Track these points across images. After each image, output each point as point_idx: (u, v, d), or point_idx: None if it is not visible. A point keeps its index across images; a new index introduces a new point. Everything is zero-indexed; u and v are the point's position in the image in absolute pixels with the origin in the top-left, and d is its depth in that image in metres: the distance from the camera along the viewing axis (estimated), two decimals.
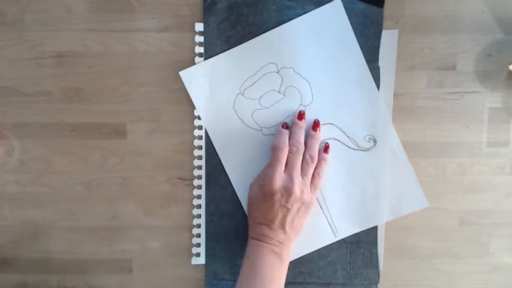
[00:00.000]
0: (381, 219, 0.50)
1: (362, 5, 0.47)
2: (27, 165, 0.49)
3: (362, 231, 0.50)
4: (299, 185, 0.45)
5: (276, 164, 0.45)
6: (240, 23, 0.47)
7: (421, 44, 0.48)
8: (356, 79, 0.48)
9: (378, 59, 0.48)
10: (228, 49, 0.48)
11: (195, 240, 0.50)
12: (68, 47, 0.48)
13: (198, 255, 0.50)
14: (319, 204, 0.49)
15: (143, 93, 0.48)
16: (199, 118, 0.49)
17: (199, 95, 0.48)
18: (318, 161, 0.47)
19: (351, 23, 0.47)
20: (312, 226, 0.48)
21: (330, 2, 0.47)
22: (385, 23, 0.48)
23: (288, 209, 0.44)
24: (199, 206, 0.50)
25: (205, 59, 0.48)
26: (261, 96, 0.48)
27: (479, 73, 0.49)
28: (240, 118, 0.48)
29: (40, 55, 0.48)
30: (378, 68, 0.48)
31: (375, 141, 0.49)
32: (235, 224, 0.49)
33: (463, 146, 0.50)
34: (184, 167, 0.49)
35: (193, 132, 0.49)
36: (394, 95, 0.49)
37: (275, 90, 0.48)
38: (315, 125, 0.47)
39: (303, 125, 0.47)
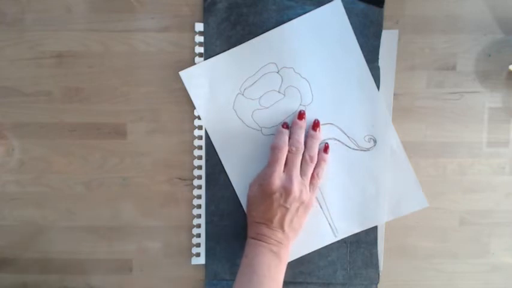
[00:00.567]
0: (381, 219, 0.50)
1: (362, 5, 0.47)
2: (27, 165, 0.49)
3: (362, 231, 0.50)
4: (298, 184, 0.45)
5: (275, 163, 0.45)
6: (240, 23, 0.47)
7: (421, 44, 0.48)
8: (356, 79, 0.48)
9: (378, 59, 0.48)
10: (228, 49, 0.48)
11: (195, 240, 0.50)
12: (68, 47, 0.48)
13: (198, 255, 0.50)
14: (319, 204, 0.49)
15: (143, 93, 0.48)
16: (199, 118, 0.49)
17: (199, 95, 0.48)
18: (318, 161, 0.47)
19: (351, 23, 0.47)
20: (312, 226, 0.48)
21: (330, 2, 0.47)
22: (385, 23, 0.48)
23: (287, 209, 0.44)
24: (199, 206, 0.50)
25: (205, 59, 0.48)
26: (261, 96, 0.48)
27: (479, 73, 0.49)
28: (240, 118, 0.48)
29: (40, 55, 0.48)
30: (378, 68, 0.48)
31: (375, 141, 0.49)
32: (235, 224, 0.49)
33: (463, 146, 0.50)
34: (184, 167, 0.49)
35: (193, 132, 0.49)
36: (394, 95, 0.49)
37: (275, 90, 0.48)
38: (315, 125, 0.47)
39: (303, 124, 0.47)
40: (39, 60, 0.48)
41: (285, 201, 0.44)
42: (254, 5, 0.47)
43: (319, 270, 0.50)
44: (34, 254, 0.50)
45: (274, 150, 0.46)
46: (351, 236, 0.50)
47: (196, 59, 0.48)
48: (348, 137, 0.49)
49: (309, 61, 0.48)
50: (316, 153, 0.47)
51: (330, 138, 0.49)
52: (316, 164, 0.47)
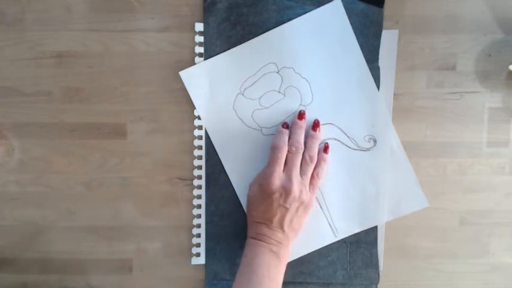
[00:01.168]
0: (381, 219, 0.50)
1: (362, 5, 0.47)
2: (27, 165, 0.49)
3: (362, 231, 0.50)
4: (298, 184, 0.45)
5: (274, 163, 0.45)
6: (240, 23, 0.47)
7: (421, 44, 0.48)
8: (356, 79, 0.48)
9: (378, 59, 0.48)
10: (228, 49, 0.48)
11: (195, 240, 0.50)
12: (68, 47, 0.48)
13: (198, 255, 0.50)
14: (319, 204, 0.49)
15: (143, 93, 0.48)
16: (199, 118, 0.49)
17: (199, 95, 0.48)
18: (318, 161, 0.47)
19: (351, 23, 0.47)
20: (312, 226, 0.48)
21: (330, 2, 0.47)
22: (385, 23, 0.48)
23: (287, 209, 0.44)
24: (199, 206, 0.50)
25: (205, 59, 0.48)
26: (261, 96, 0.48)
27: (479, 73, 0.49)
28: (240, 118, 0.48)
29: (40, 55, 0.48)
30: (378, 68, 0.48)
31: (375, 141, 0.49)
32: (235, 224, 0.49)
33: (463, 146, 0.50)
34: (184, 167, 0.49)
35: (193, 132, 0.49)
36: (394, 95, 0.49)
37: (275, 90, 0.48)
38: (315, 125, 0.47)
39: (303, 124, 0.47)
40: (39, 60, 0.48)
41: (285, 201, 0.44)
42: (254, 5, 0.47)
43: (319, 270, 0.50)
44: (34, 254, 0.50)
45: (274, 150, 0.46)
46: (351, 236, 0.50)
47: (196, 59, 0.48)
48: (348, 137, 0.49)
49: (309, 61, 0.48)
50: (316, 153, 0.47)
51: (330, 138, 0.49)
52: (316, 164, 0.47)
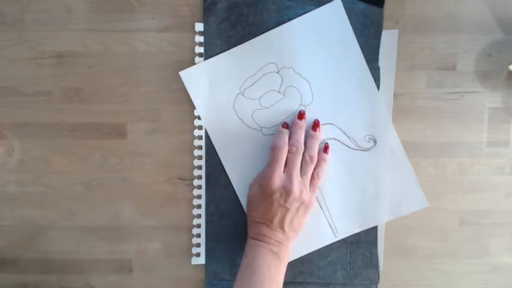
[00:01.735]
0: (381, 219, 0.50)
1: (362, 5, 0.47)
2: (27, 165, 0.49)
3: (362, 231, 0.50)
4: (298, 185, 0.45)
5: (275, 163, 0.45)
6: (240, 23, 0.47)
7: (421, 44, 0.48)
8: (356, 79, 0.48)
9: (378, 59, 0.48)
10: (228, 49, 0.48)
11: (195, 240, 0.50)
12: (68, 47, 0.48)
13: (198, 255, 0.50)
14: (319, 204, 0.49)
15: (143, 93, 0.48)
16: (199, 118, 0.49)
17: (199, 95, 0.48)
18: (318, 161, 0.47)
19: (351, 23, 0.47)
20: (312, 226, 0.48)
21: (330, 2, 0.47)
22: (385, 23, 0.48)
23: (287, 209, 0.44)
24: (199, 206, 0.50)
25: (205, 59, 0.48)
26: (261, 96, 0.48)
27: (479, 73, 0.49)
28: (240, 118, 0.48)
29: (40, 55, 0.48)
30: (378, 68, 0.48)
31: (375, 141, 0.49)
32: (235, 224, 0.49)
33: (463, 146, 0.50)
34: (184, 167, 0.49)
35: (193, 132, 0.49)
36: (394, 95, 0.49)
37: (275, 90, 0.48)
38: (315, 125, 0.47)
39: (303, 124, 0.47)
40: (39, 60, 0.48)
41: (285, 201, 0.44)
42: (254, 5, 0.47)
43: (319, 270, 0.50)
44: (34, 254, 0.50)
45: (274, 150, 0.46)
46: (351, 236, 0.50)
47: (196, 59, 0.48)
48: (348, 137, 0.49)
49: (309, 61, 0.48)
50: (316, 153, 0.47)
51: (330, 138, 0.49)
52: (316, 164, 0.47)
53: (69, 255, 0.50)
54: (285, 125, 0.47)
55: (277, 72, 0.48)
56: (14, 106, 0.48)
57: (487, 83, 0.49)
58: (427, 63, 0.49)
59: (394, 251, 0.51)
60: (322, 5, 0.47)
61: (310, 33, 0.48)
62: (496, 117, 0.50)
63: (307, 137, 0.47)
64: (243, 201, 0.49)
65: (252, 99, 0.48)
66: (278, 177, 0.44)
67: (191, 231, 0.50)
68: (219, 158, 0.49)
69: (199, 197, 0.49)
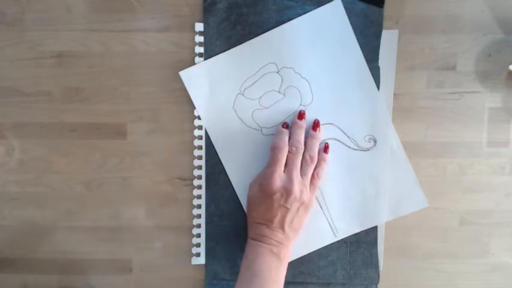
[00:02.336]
0: (381, 219, 0.50)
1: (362, 5, 0.47)
2: (27, 165, 0.49)
3: (362, 231, 0.50)
4: (299, 185, 0.45)
5: (275, 163, 0.45)
6: (240, 23, 0.47)
7: (421, 44, 0.48)
8: (356, 79, 0.48)
9: (378, 59, 0.48)
10: (228, 49, 0.48)
11: (195, 240, 0.50)
12: (68, 47, 0.48)
13: (198, 255, 0.50)
14: (319, 204, 0.49)
15: (143, 93, 0.48)
16: (199, 118, 0.49)
17: (199, 95, 0.48)
18: (318, 161, 0.47)
19: (351, 23, 0.47)
20: (312, 226, 0.48)
21: (330, 2, 0.47)
22: (385, 23, 0.48)
23: (287, 209, 0.44)
24: (199, 206, 0.50)
25: (205, 59, 0.48)
26: (261, 96, 0.48)
27: (479, 73, 0.49)
28: (240, 118, 0.48)
29: (40, 55, 0.48)
30: (378, 68, 0.48)
31: (375, 141, 0.49)
32: (235, 224, 0.49)
33: (463, 146, 0.50)
34: (184, 167, 0.49)
35: (193, 132, 0.49)
36: (394, 95, 0.49)
37: (275, 90, 0.48)
38: (315, 125, 0.47)
39: (303, 124, 0.47)
40: (39, 60, 0.48)
41: (286, 201, 0.44)
42: (254, 5, 0.47)
43: (319, 270, 0.50)
44: (34, 254, 0.50)
45: (274, 150, 0.46)
46: (351, 236, 0.50)
47: (196, 59, 0.48)
48: (348, 137, 0.49)
49: (309, 61, 0.48)
50: (317, 153, 0.47)
51: (329, 138, 0.49)
52: (316, 164, 0.47)
53: (69, 255, 0.50)
54: (285, 125, 0.47)
55: (277, 72, 0.48)
56: (14, 106, 0.48)
57: (487, 83, 0.49)
58: (427, 63, 0.49)
59: (394, 251, 0.51)
60: (322, 5, 0.47)
61: (310, 33, 0.48)
62: (496, 117, 0.50)
63: (307, 137, 0.47)
64: (243, 201, 0.49)
65: (252, 99, 0.48)
66: (278, 178, 0.44)
67: (191, 231, 0.50)
68: (219, 158, 0.49)
69: (199, 197, 0.49)
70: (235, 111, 0.48)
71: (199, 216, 0.50)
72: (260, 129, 0.49)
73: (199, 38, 0.48)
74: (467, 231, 0.51)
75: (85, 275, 0.50)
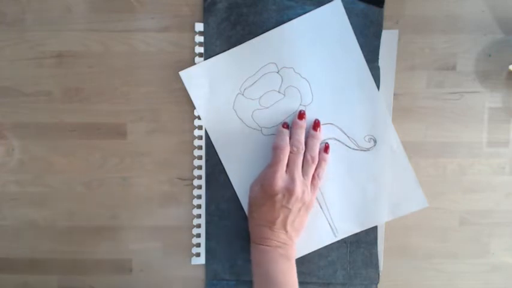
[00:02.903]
0: (381, 219, 0.50)
1: (362, 5, 0.47)
2: (27, 165, 0.49)
3: (362, 231, 0.50)
4: (300, 185, 0.45)
5: (277, 164, 0.45)
6: (240, 23, 0.47)
7: (421, 44, 0.48)
8: (356, 79, 0.48)
9: (378, 59, 0.48)
10: (228, 49, 0.48)
11: (195, 240, 0.50)
12: (68, 47, 0.48)
13: (198, 255, 0.50)
14: (319, 204, 0.49)
15: (143, 93, 0.48)
16: (199, 118, 0.49)
17: (199, 95, 0.48)
18: (318, 161, 0.47)
19: (351, 23, 0.47)
20: (312, 226, 0.48)
21: (330, 2, 0.47)
22: (385, 23, 0.48)
23: (289, 210, 0.44)
24: (199, 206, 0.50)
25: (205, 59, 0.48)
26: (261, 96, 0.48)
27: (479, 73, 0.49)
28: (240, 118, 0.48)
29: (40, 55, 0.48)
30: (378, 68, 0.48)
31: (375, 141, 0.49)
32: (235, 224, 0.49)
33: (463, 146, 0.50)
34: (184, 167, 0.49)
35: (193, 132, 0.49)
36: (394, 95, 0.49)
37: (275, 90, 0.48)
38: (315, 125, 0.47)
39: (304, 124, 0.47)
40: (39, 60, 0.48)
41: (288, 202, 0.44)
42: (254, 5, 0.47)
43: (319, 270, 0.50)
44: (34, 254, 0.50)
45: (276, 150, 0.45)
46: (351, 236, 0.50)
47: (196, 59, 0.48)
48: (348, 137, 0.49)
49: (309, 61, 0.48)
50: (317, 153, 0.47)
51: (330, 138, 0.49)
52: (317, 165, 0.47)
53: (69, 255, 0.50)
54: (285, 125, 0.47)
55: (277, 72, 0.48)
56: (14, 106, 0.48)
57: (487, 83, 0.49)
58: (427, 63, 0.49)
59: (394, 251, 0.51)
60: (322, 5, 0.47)
61: (310, 33, 0.47)
62: (496, 117, 0.50)
63: (307, 137, 0.47)
64: (243, 201, 0.49)
65: (252, 99, 0.48)
66: (280, 178, 0.44)
67: (191, 231, 0.50)
68: (219, 158, 0.49)
69: (199, 197, 0.49)
70: (235, 111, 0.48)
71: (199, 216, 0.50)
72: (260, 129, 0.49)
73: (199, 38, 0.48)
74: (467, 231, 0.51)
75: (85, 275, 0.50)
